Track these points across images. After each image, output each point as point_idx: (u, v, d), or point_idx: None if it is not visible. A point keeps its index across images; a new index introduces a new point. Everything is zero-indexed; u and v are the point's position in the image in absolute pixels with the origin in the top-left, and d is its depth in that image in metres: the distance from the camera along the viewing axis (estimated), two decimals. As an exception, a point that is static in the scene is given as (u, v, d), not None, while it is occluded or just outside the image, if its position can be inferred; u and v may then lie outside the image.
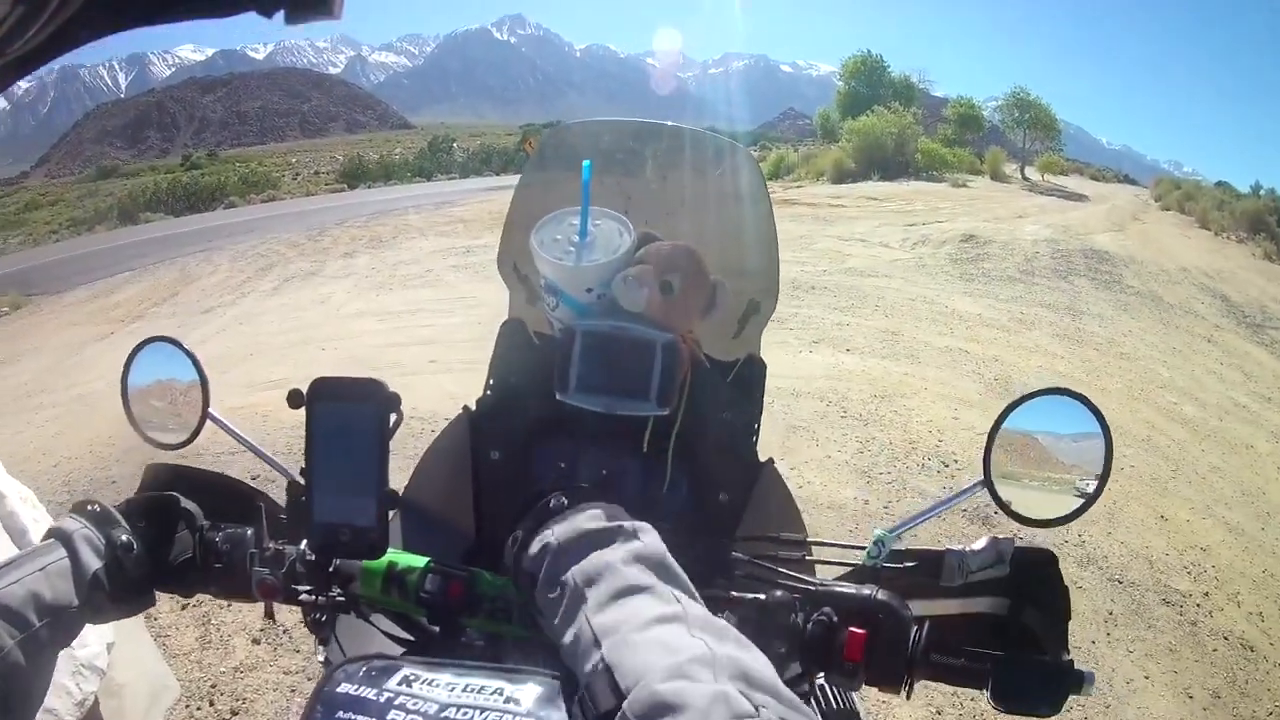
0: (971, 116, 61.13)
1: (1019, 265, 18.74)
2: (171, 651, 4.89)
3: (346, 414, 1.47)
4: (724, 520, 1.81)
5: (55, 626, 1.35)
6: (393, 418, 1.48)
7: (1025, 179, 47.38)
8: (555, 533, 1.28)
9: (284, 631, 5.07)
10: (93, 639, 2.99)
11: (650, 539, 1.24)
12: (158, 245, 29.00)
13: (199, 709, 4.60)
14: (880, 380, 9.98)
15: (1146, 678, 5.35)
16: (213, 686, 4.71)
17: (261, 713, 4.59)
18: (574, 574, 1.22)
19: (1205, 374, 12.80)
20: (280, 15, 0.70)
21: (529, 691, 1.18)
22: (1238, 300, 19.14)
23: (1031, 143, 59.22)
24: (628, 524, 1.27)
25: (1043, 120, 59.33)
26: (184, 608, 5.19)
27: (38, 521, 4.23)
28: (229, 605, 5.13)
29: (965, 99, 64.37)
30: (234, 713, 4.58)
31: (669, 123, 2.17)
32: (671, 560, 1.25)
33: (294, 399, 1.49)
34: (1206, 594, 6.41)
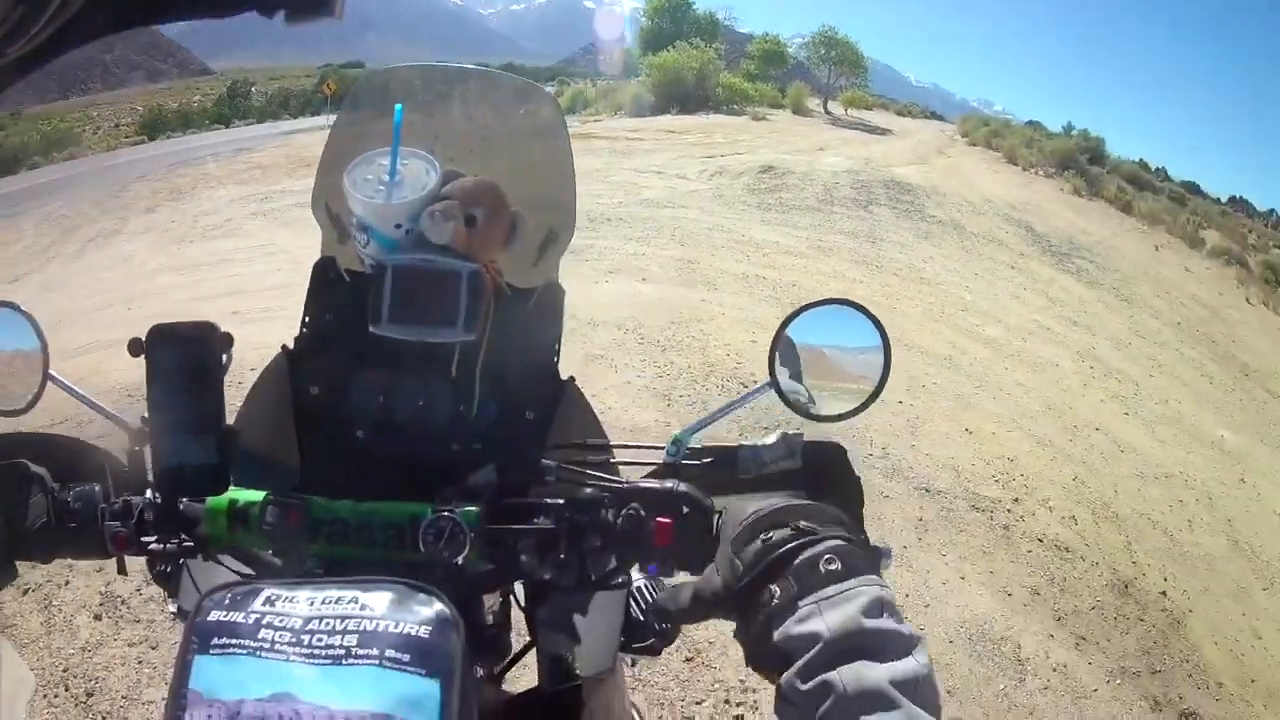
0: (775, 52, 61.83)
1: (818, 195, 19.08)
2: (19, 641, 4.86)
3: (183, 356, 1.53)
4: (532, 435, 1.84)
5: None
6: (224, 357, 1.54)
7: (828, 113, 48.34)
8: (828, 619, 1.19)
9: (122, 603, 5.01)
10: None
11: (923, 658, 1.16)
12: None
13: (56, 696, 4.58)
14: (677, 307, 10.09)
15: (962, 578, 5.54)
16: (65, 670, 4.68)
17: (115, 688, 4.58)
18: (843, 680, 1.14)
19: (1009, 298, 13.27)
20: (280, 16, 0.69)
21: (381, 597, 1.26)
22: (1043, 231, 19.88)
23: (837, 79, 60.33)
24: (904, 630, 1.19)
25: (849, 56, 60.51)
26: (25, 593, 5.12)
27: None
28: (67, 584, 5.13)
29: (771, 35, 64.97)
30: (89, 694, 4.56)
31: (472, 65, 2.24)
32: (936, 681, 1.18)
33: (134, 347, 1.53)
34: (1016, 499, 6.67)
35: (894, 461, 6.90)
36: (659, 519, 1.47)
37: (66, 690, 4.54)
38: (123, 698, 4.51)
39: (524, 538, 1.54)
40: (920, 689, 1.13)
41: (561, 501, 1.55)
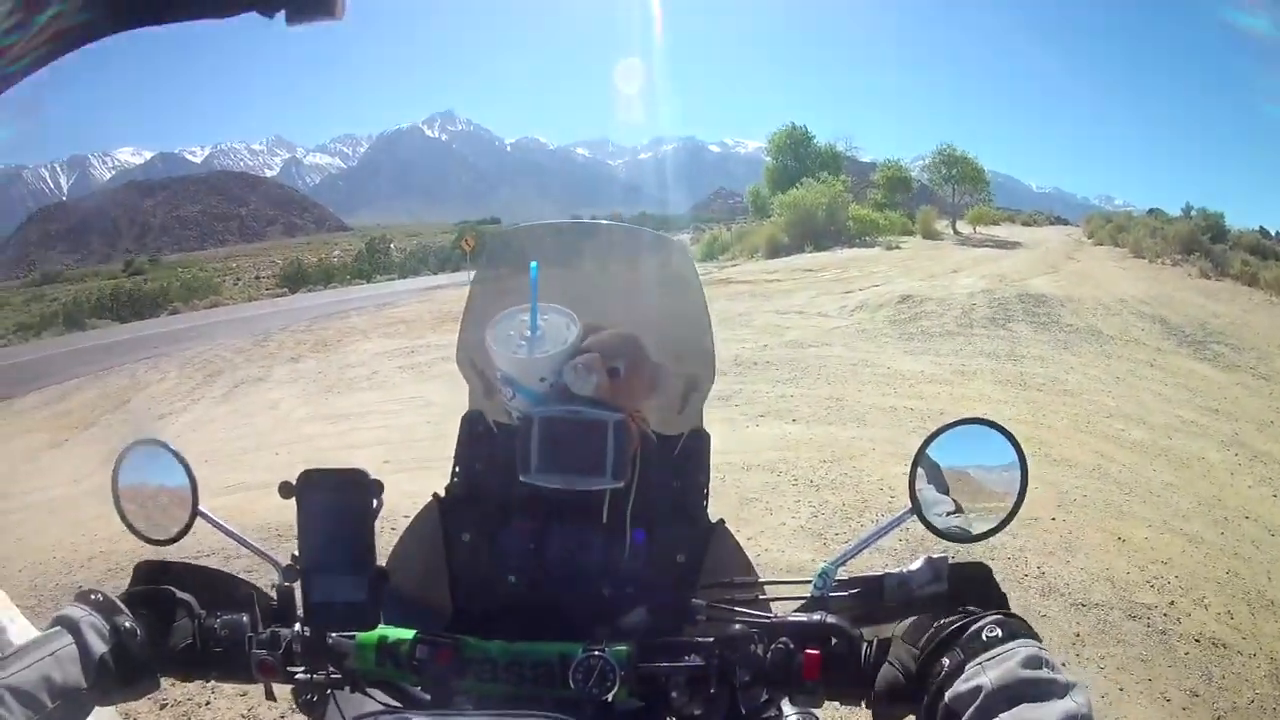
0: (900, 178, 61.81)
1: (956, 319, 19.01)
2: None
3: (334, 501, 1.60)
4: (683, 577, 1.90)
5: (66, 708, 1.41)
6: (375, 502, 1.59)
7: (957, 233, 48.00)
8: (989, 674, 1.27)
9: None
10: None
11: (1081, 699, 1.22)
12: (105, 352, 28.50)
13: None
14: (827, 445, 10.08)
15: (1121, 689, 5.43)
16: None
17: None
18: None
19: (1151, 397, 13.02)
20: (281, 17, 0.75)
21: None
22: (1177, 321, 19.53)
23: (961, 196, 59.84)
24: (1061, 678, 1.25)
25: (970, 173, 60.05)
26: (162, 707, 5.15)
27: (13, 620, 4.16)
28: (208, 704, 5.13)
29: (893, 161, 65.52)
30: None
31: (603, 222, 2.38)
32: None
33: (284, 490, 1.60)
34: (1172, 603, 6.52)
35: (1050, 580, 6.83)
36: (808, 651, 1.50)
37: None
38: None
39: (674, 675, 1.58)
40: None
41: (711, 639, 1.59)
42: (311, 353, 21.83)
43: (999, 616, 1.37)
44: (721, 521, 2.00)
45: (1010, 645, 1.31)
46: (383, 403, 14.75)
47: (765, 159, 68.39)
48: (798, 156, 61.53)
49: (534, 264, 1.83)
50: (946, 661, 1.34)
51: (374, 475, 1.60)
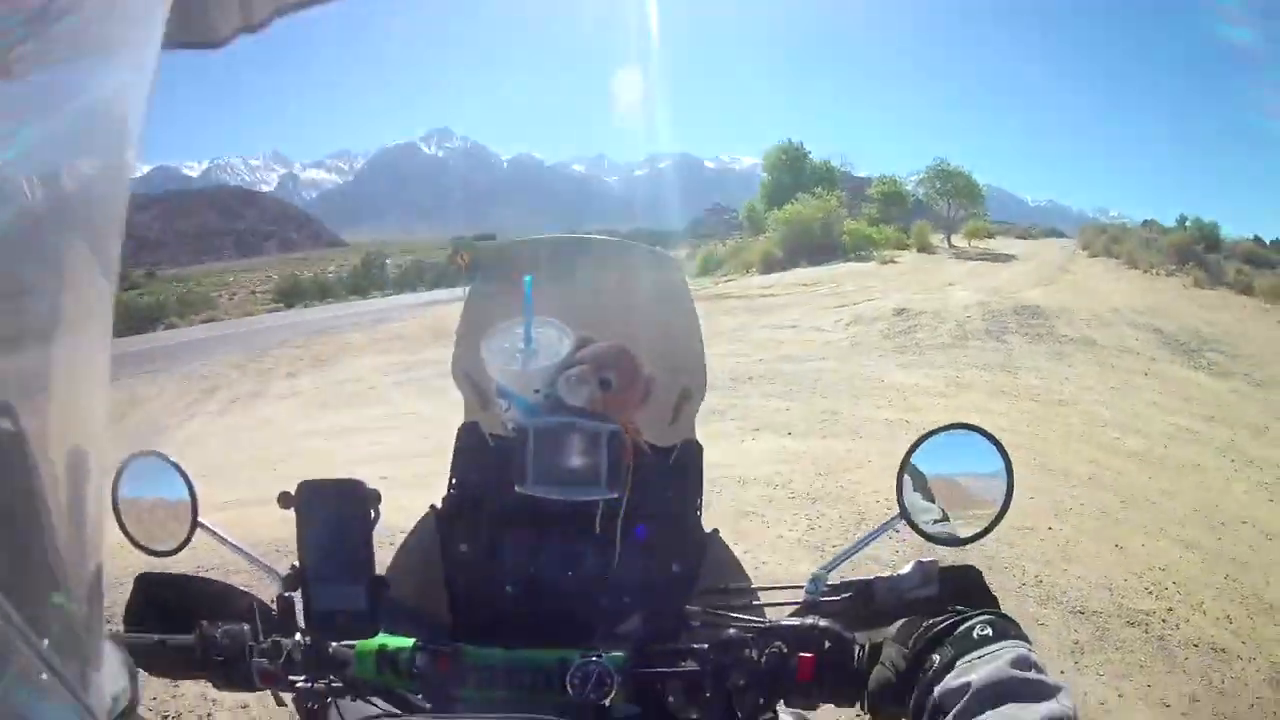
0: (895, 193, 62.49)
1: (951, 332, 19.11)
2: None
3: (332, 511, 1.62)
4: (678, 587, 1.92)
5: None
6: (373, 512, 1.61)
7: (952, 247, 48.09)
8: (978, 672, 1.28)
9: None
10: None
11: (1067, 702, 1.23)
12: None
13: None
14: (823, 459, 10.11)
15: (1120, 696, 5.44)
16: None
17: None
18: None
19: (1145, 406, 13.10)
20: (268, 31, 0.81)
21: None
22: (1171, 330, 19.66)
23: (956, 211, 60.11)
24: (1048, 680, 1.27)
25: (965, 187, 60.24)
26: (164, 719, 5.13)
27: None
28: (209, 716, 5.16)
29: (888, 177, 66.01)
30: None
31: (597, 236, 2.42)
32: None
33: (283, 500, 1.61)
34: (1170, 609, 6.55)
35: (1047, 589, 6.85)
36: (802, 655, 1.52)
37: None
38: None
39: (670, 680, 1.62)
40: None
41: (706, 645, 1.62)
42: (308, 369, 22.07)
43: (989, 616, 1.39)
44: (716, 531, 2.04)
45: (999, 645, 1.32)
46: (380, 419, 14.86)
47: (761, 175, 69.10)
48: (793, 172, 62.08)
49: (528, 278, 1.86)
50: (936, 659, 1.36)
51: (371, 486, 1.62)
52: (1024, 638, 1.35)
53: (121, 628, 1.70)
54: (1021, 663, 1.28)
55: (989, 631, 1.35)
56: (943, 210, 61.43)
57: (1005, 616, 1.40)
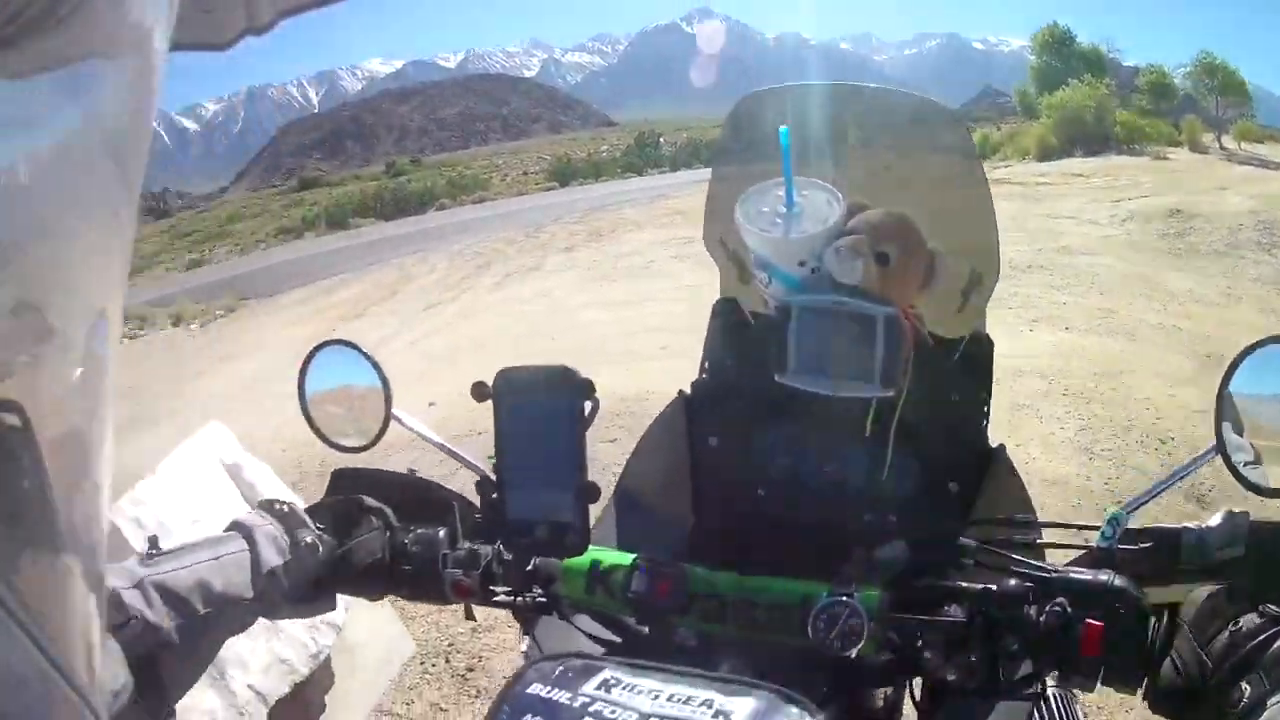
0: (1163, 85, 58.91)
1: (1224, 239, 18.11)
2: (408, 614, 5.14)
3: (537, 405, 1.49)
4: (953, 510, 1.75)
5: (222, 615, 1.41)
6: (588, 406, 1.46)
7: (1223, 148, 45.12)
8: None
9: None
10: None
11: None
12: (370, 249, 29.36)
13: (434, 665, 4.84)
14: (1099, 358, 9.91)
15: None
16: (449, 645, 4.94)
17: (499, 670, 4.74)
18: None
19: None
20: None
21: (744, 705, 1.11)
22: None
23: (1224, 109, 56.08)
24: None
25: (1232, 85, 56.63)
26: None
27: (275, 488, 4.66)
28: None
29: (1156, 67, 62.31)
30: (470, 669, 4.85)
31: (869, 84, 2.17)
32: None
33: (479, 391, 1.50)
34: None
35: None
36: (1089, 620, 1.28)
37: (447, 663, 4.87)
38: (502, 677, 4.79)
39: (930, 630, 1.39)
40: None
41: (978, 588, 1.41)
42: (585, 243, 22.09)
43: None
44: (1002, 447, 1.81)
45: None
46: (659, 291, 14.78)
47: (1029, 58, 66.16)
48: (1061, 57, 59.53)
49: (783, 129, 1.59)
50: (1247, 688, 1.13)
51: (582, 374, 1.46)
52: None
53: (311, 530, 1.59)
54: None
55: None
56: (1210, 107, 57.69)
57: None
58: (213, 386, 13.63)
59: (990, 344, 1.83)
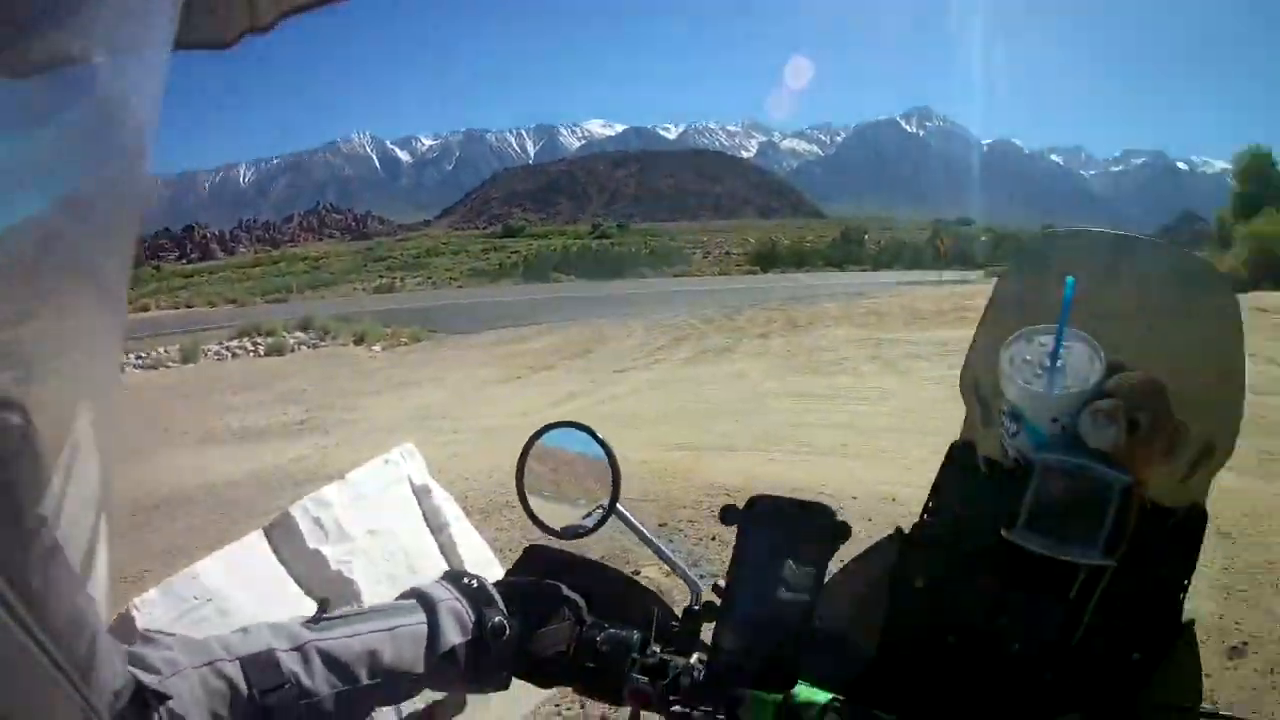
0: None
1: None
2: None
3: (784, 537, 1.49)
4: (1131, 681, 1.63)
5: (387, 688, 1.36)
6: (834, 547, 1.48)
7: None
8: None
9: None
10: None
11: None
12: (566, 304, 29.81)
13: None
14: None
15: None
16: None
17: None
18: None
19: None
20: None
21: None
22: None
23: None
24: None
25: None
26: None
27: (458, 519, 4.94)
28: None
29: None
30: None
31: (1142, 236, 1.97)
32: None
33: (727, 515, 1.51)
34: None
35: None
36: None
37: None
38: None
39: None
40: None
41: None
42: (780, 332, 22.25)
43: None
44: (1192, 623, 1.64)
45: None
46: (848, 389, 14.66)
47: (1230, 182, 63.53)
48: (1261, 181, 56.78)
49: (1071, 279, 1.53)
50: None
51: (841, 518, 1.48)
52: None
53: (500, 610, 1.53)
54: None
55: None
56: None
57: None
58: (386, 408, 14.31)
59: (1205, 518, 1.67)
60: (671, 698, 1.50)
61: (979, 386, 1.76)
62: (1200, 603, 6.54)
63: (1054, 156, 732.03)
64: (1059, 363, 1.53)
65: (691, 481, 8.23)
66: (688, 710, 1.49)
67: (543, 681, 1.59)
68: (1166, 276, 1.81)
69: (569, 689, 1.62)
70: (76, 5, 0.67)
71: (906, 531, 1.75)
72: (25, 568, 0.66)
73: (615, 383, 15.97)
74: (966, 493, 1.74)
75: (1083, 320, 1.57)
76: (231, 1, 1.52)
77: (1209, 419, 1.64)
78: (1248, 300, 31.91)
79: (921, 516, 1.77)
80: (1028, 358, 1.56)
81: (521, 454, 1.73)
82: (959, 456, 1.78)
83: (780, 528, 1.50)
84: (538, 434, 1.76)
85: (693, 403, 13.82)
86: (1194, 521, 1.62)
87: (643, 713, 1.56)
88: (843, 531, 1.48)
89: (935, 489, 1.77)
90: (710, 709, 1.49)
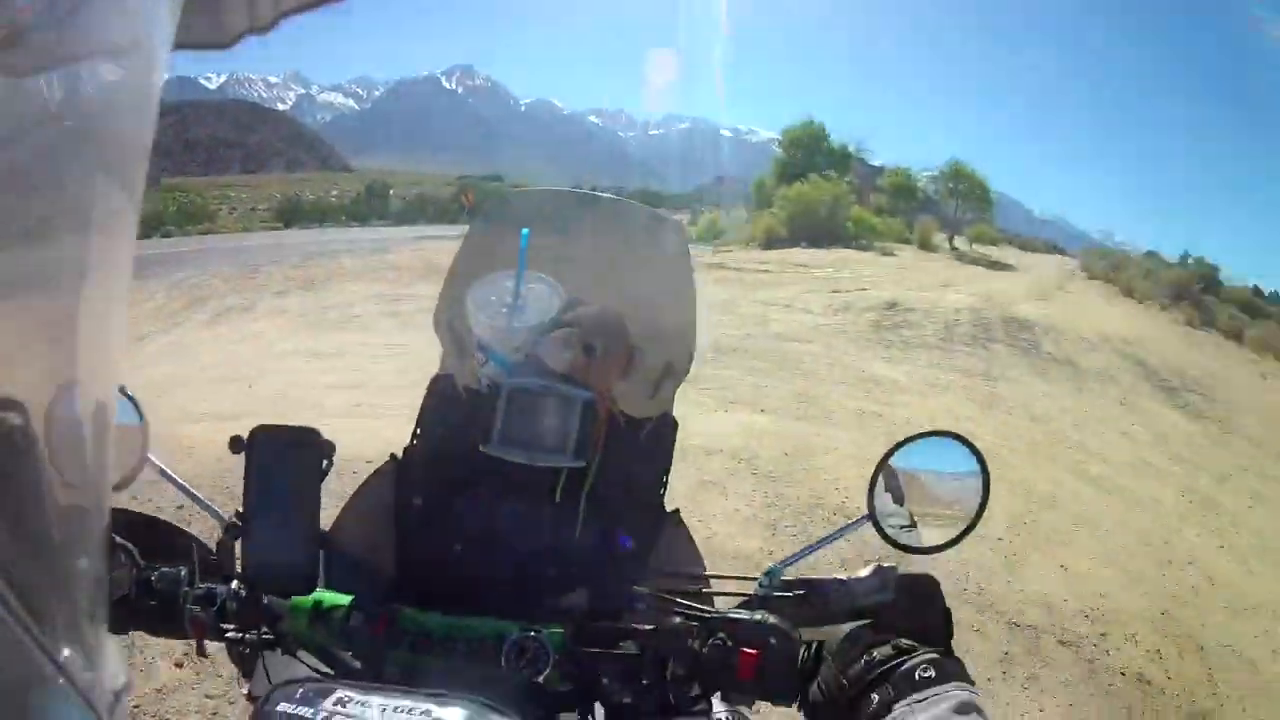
0: (906, 186, 61.73)
1: (938, 333, 19.19)
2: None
3: (284, 460, 1.66)
4: (629, 565, 1.90)
5: None
6: (325, 463, 1.66)
7: (954, 248, 47.82)
8: (918, 717, 1.28)
9: (208, 659, 5.04)
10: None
11: None
12: None
13: None
14: (791, 439, 10.15)
15: (1041, 710, 5.55)
16: (136, 707, 4.72)
17: None
18: None
19: (1116, 435, 13.18)
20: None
21: (454, 713, 1.29)
22: (1154, 365, 19.76)
23: (964, 212, 59.75)
24: None
25: (976, 191, 60.27)
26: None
27: None
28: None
29: (901, 169, 65.31)
30: None
31: (605, 194, 2.38)
32: None
33: (235, 444, 1.66)
34: (1104, 634, 6.66)
35: (989, 597, 6.94)
36: (744, 650, 1.49)
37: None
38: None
39: (607, 661, 1.60)
40: None
41: (649, 628, 1.60)
42: (299, 289, 22.16)
43: (934, 655, 1.40)
44: (676, 511, 2.02)
45: (943, 688, 1.32)
46: (362, 346, 15.00)
47: (776, 150, 67.71)
48: (809, 152, 60.49)
49: (525, 230, 1.84)
50: (875, 698, 1.36)
51: (326, 435, 1.67)
52: (969, 680, 1.35)
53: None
54: (965, 708, 1.28)
55: (932, 674, 1.35)
56: (950, 210, 61.16)
57: (951, 656, 1.42)
58: None
59: (675, 424, 2.07)
60: (223, 625, 1.63)
61: (452, 325, 2.06)
62: (745, 541, 7.30)
63: (593, 118, 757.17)
64: (520, 301, 1.87)
65: (209, 452, 7.38)
66: (239, 633, 1.64)
67: (115, 627, 1.61)
68: (626, 227, 2.26)
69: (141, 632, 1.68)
70: (76, 5, 0.66)
71: (400, 457, 2.04)
72: (26, 567, 0.66)
73: (135, 351, 14.97)
74: (449, 418, 2.01)
75: (549, 266, 1.93)
76: (231, 1, 1.57)
77: (667, 344, 2.06)
78: (789, 256, 34.27)
79: (411, 442, 2.05)
80: (492, 298, 1.88)
81: (46, 413, 1.32)
82: (440, 387, 2.08)
83: (280, 451, 1.66)
84: (63, 391, 1.38)
85: (211, 367, 13.45)
86: (665, 428, 2.03)
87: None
88: (328, 449, 1.66)
89: (420, 417, 2.07)
90: (258, 627, 1.65)
